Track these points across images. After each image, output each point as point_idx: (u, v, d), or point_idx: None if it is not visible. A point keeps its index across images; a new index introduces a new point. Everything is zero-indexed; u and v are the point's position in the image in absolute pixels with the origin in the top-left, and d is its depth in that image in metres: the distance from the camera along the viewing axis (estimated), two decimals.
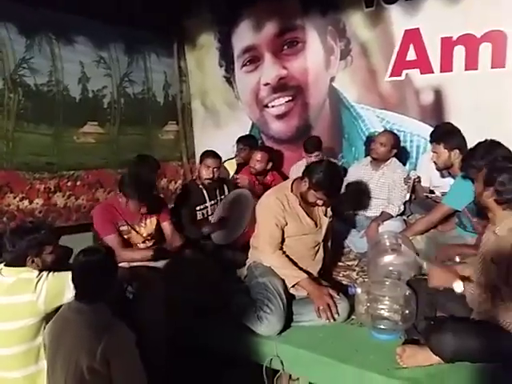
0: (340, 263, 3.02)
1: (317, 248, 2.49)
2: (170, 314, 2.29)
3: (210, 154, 3.25)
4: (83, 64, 4.58)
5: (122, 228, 2.63)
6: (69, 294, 2.00)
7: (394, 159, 3.57)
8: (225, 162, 4.03)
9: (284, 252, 2.39)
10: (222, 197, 3.17)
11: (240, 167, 3.96)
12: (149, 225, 2.72)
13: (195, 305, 2.45)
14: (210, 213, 3.09)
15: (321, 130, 4.57)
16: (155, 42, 5.24)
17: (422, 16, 3.85)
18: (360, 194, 3.50)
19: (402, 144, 4.08)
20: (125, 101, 5.01)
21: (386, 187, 3.44)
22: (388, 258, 2.46)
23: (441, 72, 3.85)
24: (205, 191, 3.10)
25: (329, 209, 2.54)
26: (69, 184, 4.53)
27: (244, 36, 4.94)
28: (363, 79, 4.29)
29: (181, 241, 2.73)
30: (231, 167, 4.02)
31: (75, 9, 4.29)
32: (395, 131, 4.05)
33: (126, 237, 2.64)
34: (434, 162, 2.98)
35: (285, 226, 2.37)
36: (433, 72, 3.88)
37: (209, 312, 2.46)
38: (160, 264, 2.56)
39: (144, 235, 2.70)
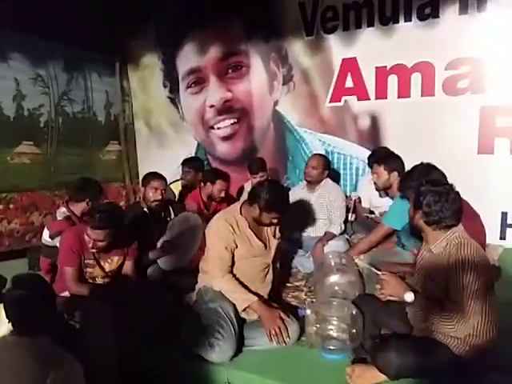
0: (288, 284, 3.06)
1: (266, 270, 2.51)
2: (117, 341, 2.20)
3: (155, 175, 3.17)
4: (18, 81, 4.39)
5: (87, 261, 2.51)
6: (3, 328, 1.86)
7: (327, 180, 3.64)
8: (170, 183, 3.98)
9: (234, 275, 2.39)
10: (168, 219, 3.12)
11: (185, 189, 3.93)
12: (114, 261, 2.60)
13: (143, 332, 2.38)
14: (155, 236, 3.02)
15: (266, 152, 4.67)
16: (97, 60, 5.14)
17: (359, 46, 4.11)
18: (302, 216, 3.58)
19: (342, 166, 4.29)
20: (63, 120, 4.85)
21: (324, 207, 3.54)
22: (334, 278, 2.54)
23: (376, 99, 4.10)
24: (149, 214, 3.03)
25: (277, 230, 2.58)
26: (0, 207, 4.27)
27: (189, 58, 4.98)
28: (305, 104, 4.46)
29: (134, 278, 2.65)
30: (176, 189, 3.97)
31: (11, 24, 4.13)
32: (336, 154, 4.25)
33: (89, 270, 2.53)
34: (374, 183, 3.15)
35: (235, 249, 2.37)
36: (369, 99, 4.13)
37: (158, 339, 2.39)
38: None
39: (106, 271, 2.59)
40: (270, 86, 4.61)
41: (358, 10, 4.05)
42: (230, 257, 2.37)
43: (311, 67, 4.38)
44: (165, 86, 5.24)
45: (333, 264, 2.70)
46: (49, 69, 4.67)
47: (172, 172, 5.07)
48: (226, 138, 4.94)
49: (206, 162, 5.11)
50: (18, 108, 4.43)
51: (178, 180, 4.15)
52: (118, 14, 4.91)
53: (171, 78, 5.17)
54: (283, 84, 4.54)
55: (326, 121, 4.38)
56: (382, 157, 3.18)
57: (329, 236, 3.35)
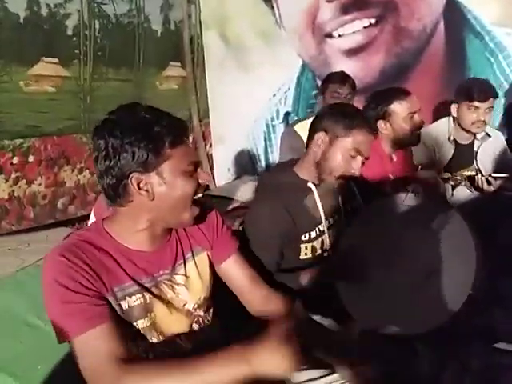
0: None
1: None
2: None
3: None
4: None
5: (131, 297, 0.89)
6: None
7: None
8: (294, 123, 2.29)
9: None
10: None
11: None
12: (192, 273, 0.99)
13: None
14: (327, 246, 1.27)
15: (427, 74, 2.87)
16: None
17: None
18: None
19: None
20: (101, 26, 3.20)
21: None
22: None
23: None
24: (317, 196, 1.27)
25: None
26: (15, 161, 2.76)
27: None
28: None
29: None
30: (304, 131, 2.19)
31: None
32: None
33: (141, 324, 0.90)
34: None
35: None
36: None
37: None
38: None
39: (189, 306, 0.97)
40: None
41: None
42: None
43: None
44: None
45: None
46: None
47: (263, 107, 3.45)
48: (353, 52, 3.10)
49: (314, 93, 3.37)
50: (30, 5, 2.80)
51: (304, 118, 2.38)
52: None
53: None
54: None
55: None
56: None
57: None
